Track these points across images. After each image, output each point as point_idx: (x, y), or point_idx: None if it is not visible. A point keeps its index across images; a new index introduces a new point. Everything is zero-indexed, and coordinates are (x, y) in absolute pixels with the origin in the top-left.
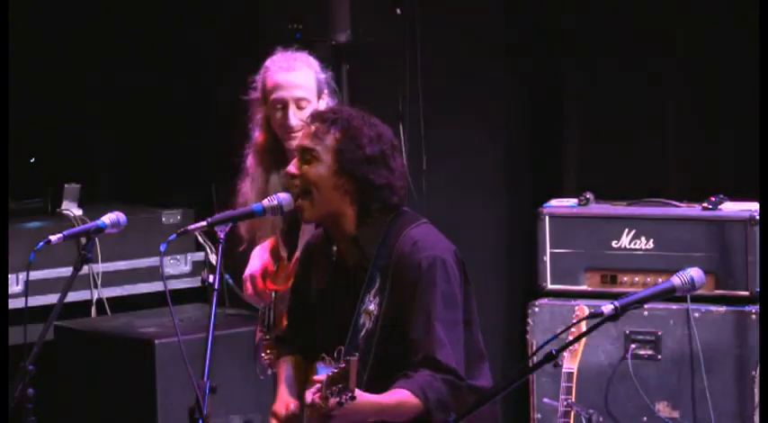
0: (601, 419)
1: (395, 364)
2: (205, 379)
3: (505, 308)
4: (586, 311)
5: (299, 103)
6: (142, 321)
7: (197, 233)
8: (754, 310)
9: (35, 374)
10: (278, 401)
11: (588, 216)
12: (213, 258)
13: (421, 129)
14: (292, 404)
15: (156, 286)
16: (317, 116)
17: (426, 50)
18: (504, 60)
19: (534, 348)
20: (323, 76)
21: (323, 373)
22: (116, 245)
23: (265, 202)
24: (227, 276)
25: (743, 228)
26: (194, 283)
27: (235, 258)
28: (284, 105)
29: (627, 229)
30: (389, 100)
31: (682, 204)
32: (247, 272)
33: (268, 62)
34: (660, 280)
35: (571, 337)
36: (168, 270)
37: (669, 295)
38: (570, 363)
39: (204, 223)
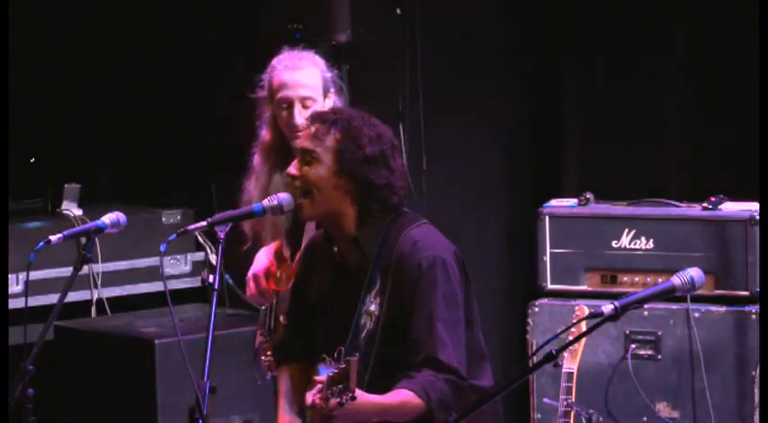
0: (601, 419)
1: (396, 364)
2: (205, 379)
3: (505, 308)
4: (586, 311)
5: (304, 102)
6: (142, 321)
7: (197, 233)
8: (754, 310)
9: (35, 374)
10: (279, 421)
11: (588, 216)
12: (213, 258)
13: (421, 129)
14: None
15: (156, 286)
16: (316, 117)
17: (426, 50)
18: (504, 60)
19: (534, 348)
20: (329, 74)
21: (324, 374)
22: (116, 245)
23: (265, 202)
24: (227, 276)
25: (743, 228)
26: (194, 283)
27: (235, 258)
28: (290, 104)
29: (627, 229)
30: (389, 100)
31: (682, 204)
32: (251, 272)
33: (274, 61)
34: (660, 280)
35: (571, 337)
36: (168, 270)
37: (669, 295)
38: (570, 363)
39: (204, 223)
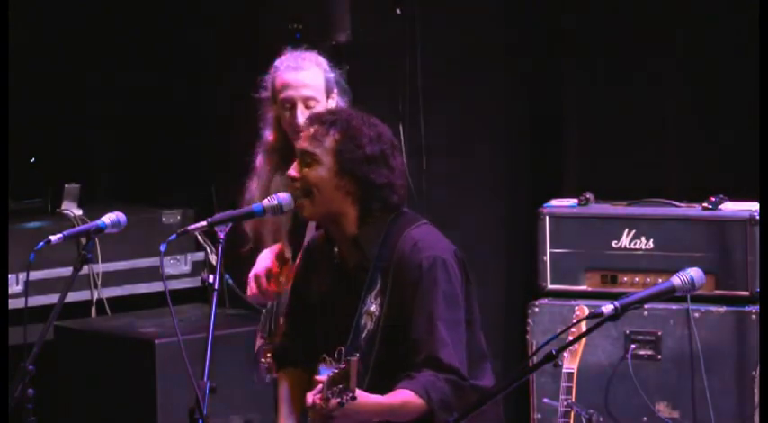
0: (601, 419)
1: (397, 364)
2: (205, 379)
3: (505, 308)
4: (586, 311)
5: (307, 102)
6: (142, 321)
7: (197, 233)
8: (754, 310)
9: (35, 374)
10: None
11: (588, 216)
12: (213, 258)
13: (421, 129)
14: None
15: (156, 286)
16: (315, 118)
17: (426, 50)
18: (504, 60)
19: (534, 348)
20: (332, 75)
21: (324, 374)
22: (116, 245)
23: (265, 202)
24: (227, 276)
25: (743, 228)
26: (194, 283)
27: (236, 259)
28: (292, 105)
29: (627, 229)
30: (389, 100)
31: (682, 204)
32: (252, 272)
33: (277, 62)
34: (660, 280)
35: (571, 337)
36: (168, 270)
37: (669, 295)
38: (570, 363)
39: (204, 223)
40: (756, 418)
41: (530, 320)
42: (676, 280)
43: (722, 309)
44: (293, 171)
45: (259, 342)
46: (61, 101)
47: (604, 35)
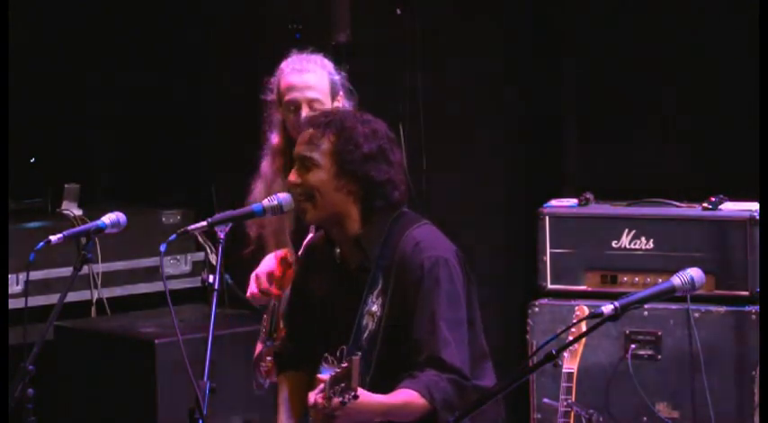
0: (601, 419)
1: (398, 364)
2: (205, 379)
3: (505, 308)
4: (586, 311)
5: (311, 104)
6: (142, 321)
7: (197, 233)
8: (754, 310)
9: (35, 374)
10: None
11: (588, 216)
12: (213, 258)
13: (421, 129)
14: None
15: (156, 286)
16: (309, 122)
17: (426, 50)
18: (504, 60)
19: (534, 348)
20: (337, 77)
21: (326, 374)
22: (116, 245)
23: (265, 202)
24: (227, 276)
25: (743, 228)
26: (194, 283)
27: (237, 260)
28: (297, 107)
29: (627, 229)
30: (389, 100)
31: (682, 204)
32: (254, 273)
33: (283, 64)
34: (660, 280)
35: (571, 337)
36: (168, 270)
37: (669, 295)
38: (570, 363)
39: (204, 223)
40: (756, 418)
41: (530, 320)
42: (676, 280)
43: (722, 309)
44: (293, 177)
45: (259, 347)
46: (61, 101)
47: (604, 35)
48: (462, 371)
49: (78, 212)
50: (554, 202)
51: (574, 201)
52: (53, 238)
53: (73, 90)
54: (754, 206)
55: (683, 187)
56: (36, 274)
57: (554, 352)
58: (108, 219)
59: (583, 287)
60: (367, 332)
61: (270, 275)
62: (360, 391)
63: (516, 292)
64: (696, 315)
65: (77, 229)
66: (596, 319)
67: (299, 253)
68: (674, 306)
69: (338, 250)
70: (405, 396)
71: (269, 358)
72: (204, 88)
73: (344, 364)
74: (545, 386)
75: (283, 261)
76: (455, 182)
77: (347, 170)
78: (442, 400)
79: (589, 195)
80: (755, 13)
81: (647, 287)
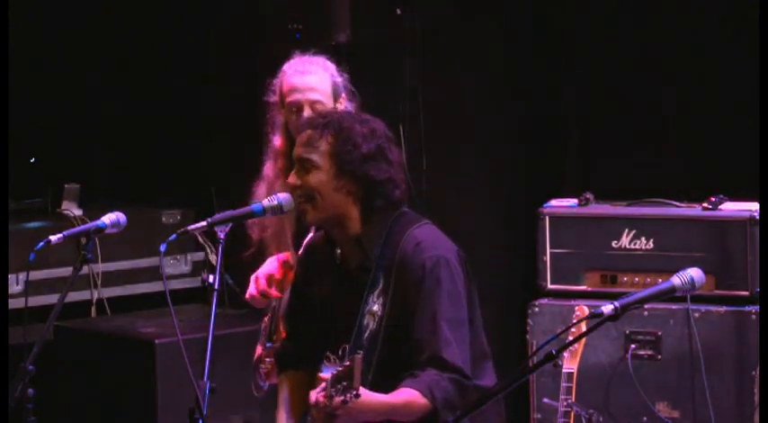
0: (601, 419)
1: (399, 364)
2: (205, 379)
3: (505, 308)
4: (586, 311)
5: (313, 105)
6: (142, 321)
7: (197, 233)
8: (754, 310)
9: (35, 374)
10: None
11: (588, 216)
12: (213, 258)
13: (421, 129)
14: None
15: (156, 286)
16: (307, 123)
17: (426, 50)
18: (505, 60)
19: (534, 348)
20: (340, 79)
21: (328, 373)
22: (116, 245)
23: (265, 201)
24: (227, 276)
25: (743, 228)
26: (194, 283)
27: (238, 263)
28: (299, 108)
29: (627, 229)
30: (389, 100)
31: (682, 204)
32: (254, 274)
33: (285, 66)
34: (660, 280)
35: (571, 337)
36: (168, 270)
37: (669, 295)
38: (570, 363)
39: (204, 223)
40: (756, 418)
41: (530, 320)
42: (676, 280)
43: (722, 309)
44: (293, 178)
45: (259, 350)
46: (61, 101)
47: (604, 35)
48: (463, 370)
49: (78, 212)
50: (554, 202)
51: (574, 201)
52: (53, 238)
53: (73, 90)
54: (754, 206)
55: (683, 187)
56: (36, 274)
57: (554, 352)
58: (108, 219)
59: (583, 287)
60: (368, 332)
61: (270, 278)
62: (361, 390)
63: (516, 292)
64: (696, 315)
65: (77, 229)
66: (596, 319)
67: (300, 253)
68: (674, 306)
69: (339, 251)
70: (406, 395)
71: (268, 360)
72: (204, 88)
73: (347, 363)
74: (545, 386)
75: (285, 264)
76: (455, 182)
77: (346, 170)
78: (443, 399)
79: (589, 195)
80: (755, 13)
81: (647, 287)
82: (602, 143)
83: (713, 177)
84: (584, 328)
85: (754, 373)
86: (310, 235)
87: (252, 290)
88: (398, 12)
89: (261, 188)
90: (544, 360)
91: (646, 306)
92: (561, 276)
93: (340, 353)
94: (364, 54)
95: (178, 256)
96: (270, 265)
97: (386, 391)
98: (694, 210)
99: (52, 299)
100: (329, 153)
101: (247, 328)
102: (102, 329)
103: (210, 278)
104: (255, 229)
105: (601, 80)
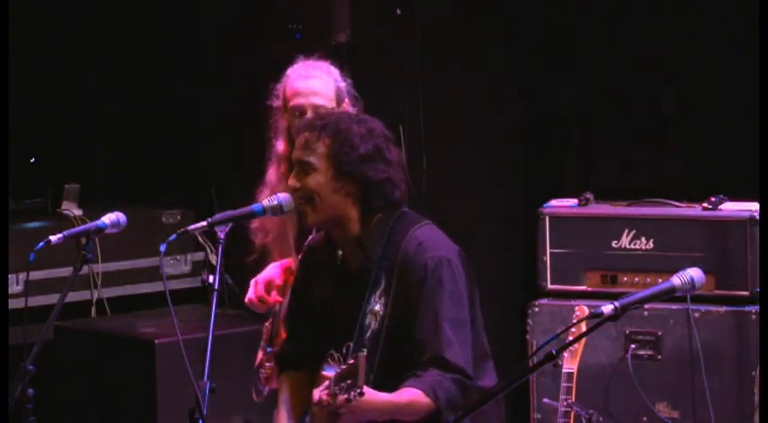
0: (601, 419)
1: (401, 364)
2: (205, 379)
3: (505, 308)
4: (586, 312)
5: (316, 110)
6: (142, 321)
7: (197, 233)
8: (754, 310)
9: (35, 374)
10: None
11: (588, 216)
12: (213, 258)
13: (421, 129)
14: None
15: (156, 286)
16: (305, 126)
17: (426, 50)
18: (505, 60)
19: (534, 348)
20: (343, 84)
21: (331, 371)
22: (116, 245)
23: (265, 202)
24: (227, 276)
25: (743, 228)
26: (194, 283)
27: (236, 259)
28: (302, 112)
29: (627, 229)
30: (389, 100)
31: (682, 204)
32: (254, 279)
33: (289, 70)
34: (660, 280)
35: (571, 338)
36: (168, 270)
37: (669, 295)
38: (570, 363)
39: (204, 223)
40: (756, 418)
41: (530, 320)
42: (676, 280)
43: (722, 309)
44: (292, 181)
45: (260, 356)
46: (61, 101)
47: (604, 35)
48: (466, 371)
49: (78, 212)
50: (554, 202)
51: (574, 201)
52: (53, 238)
53: (73, 90)
54: (754, 206)
55: (683, 187)
56: (36, 274)
57: (554, 352)
58: (108, 219)
59: (583, 287)
60: (369, 332)
61: (269, 283)
62: (365, 388)
63: (516, 292)
64: (696, 315)
65: (77, 229)
66: (596, 319)
67: (300, 254)
68: (674, 306)
69: (340, 252)
70: (409, 395)
71: (268, 365)
72: (204, 88)
73: (350, 361)
74: (545, 386)
75: (287, 270)
76: (455, 182)
77: (344, 172)
78: (445, 399)
79: (589, 195)
80: (755, 13)
81: (647, 287)
82: (602, 143)
83: (713, 177)
84: (584, 328)
85: (754, 373)
86: (311, 236)
87: (251, 294)
88: (398, 12)
89: (264, 193)
90: (544, 360)
91: (646, 306)
92: (561, 276)
93: (344, 351)
94: (364, 54)
95: (178, 256)
96: (270, 271)
97: (387, 390)
98: (694, 210)
99: (52, 299)
100: (327, 155)
101: (247, 328)
102: (102, 329)
103: (210, 278)
104: (259, 234)
105: (601, 80)
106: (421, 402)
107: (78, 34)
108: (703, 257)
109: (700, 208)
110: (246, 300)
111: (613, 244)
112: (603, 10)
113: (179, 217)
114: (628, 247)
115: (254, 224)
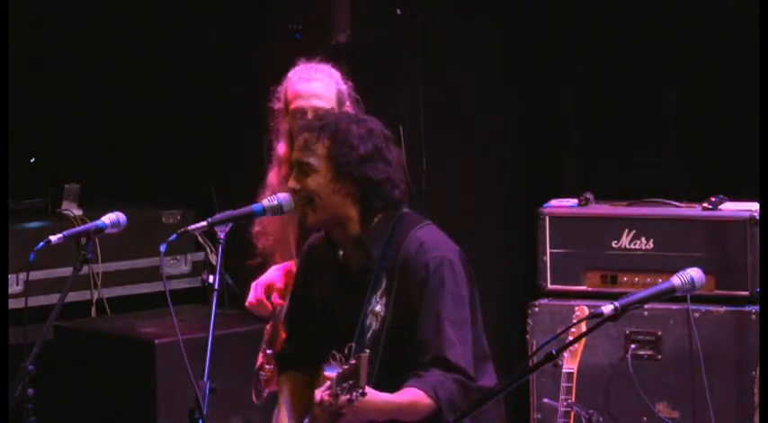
0: (601, 419)
1: (402, 364)
2: (205, 379)
3: (505, 308)
4: (586, 312)
5: (317, 113)
6: (142, 321)
7: (197, 233)
8: (754, 310)
9: (35, 374)
10: None
11: (588, 216)
12: (213, 258)
13: (421, 129)
14: None
15: (156, 286)
16: (304, 127)
17: (426, 50)
18: (505, 60)
19: (534, 348)
20: (344, 86)
21: (332, 371)
22: (116, 245)
23: (265, 201)
24: (227, 276)
25: (743, 228)
26: (194, 283)
27: (236, 260)
28: (303, 115)
29: (627, 229)
30: (389, 100)
31: (682, 204)
32: (254, 282)
33: (290, 73)
34: (660, 280)
35: (571, 338)
36: (168, 270)
37: (669, 295)
38: (570, 363)
39: (204, 223)
40: (756, 418)
41: (530, 320)
42: (676, 280)
43: (722, 309)
44: (292, 182)
45: (260, 359)
46: (61, 101)
47: (604, 35)
48: (467, 371)
49: (78, 212)
50: (554, 202)
51: (574, 201)
52: (53, 238)
53: (73, 90)
54: (754, 206)
55: (683, 187)
56: (36, 274)
57: (554, 352)
58: (108, 219)
59: (583, 287)
60: (371, 332)
61: (269, 287)
62: (367, 389)
63: (516, 292)
64: (696, 315)
65: (77, 229)
66: (596, 319)
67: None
68: (674, 306)
69: (341, 252)
70: (411, 395)
71: (268, 367)
72: (204, 88)
73: (352, 362)
74: (545, 386)
75: (288, 273)
76: (455, 182)
77: (344, 172)
78: (447, 400)
79: (589, 195)
80: (755, 13)
81: (647, 287)
82: (602, 143)
83: (713, 177)
84: (584, 328)
85: (754, 373)
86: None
87: (250, 297)
88: (398, 12)
89: (265, 196)
90: (544, 360)
91: (646, 306)
92: (561, 276)
93: (345, 352)
94: (364, 54)
95: (178, 257)
96: (271, 274)
97: (389, 391)
98: (694, 210)
99: (52, 299)
100: (326, 156)
101: (247, 328)
102: (102, 329)
103: (210, 278)
104: (261, 238)
105: (601, 80)
106: (422, 403)
107: (78, 34)
108: (703, 257)
109: (700, 208)
110: (247, 304)
111: (613, 244)
112: (603, 10)
113: (179, 217)
114: (628, 247)
115: (256, 228)
